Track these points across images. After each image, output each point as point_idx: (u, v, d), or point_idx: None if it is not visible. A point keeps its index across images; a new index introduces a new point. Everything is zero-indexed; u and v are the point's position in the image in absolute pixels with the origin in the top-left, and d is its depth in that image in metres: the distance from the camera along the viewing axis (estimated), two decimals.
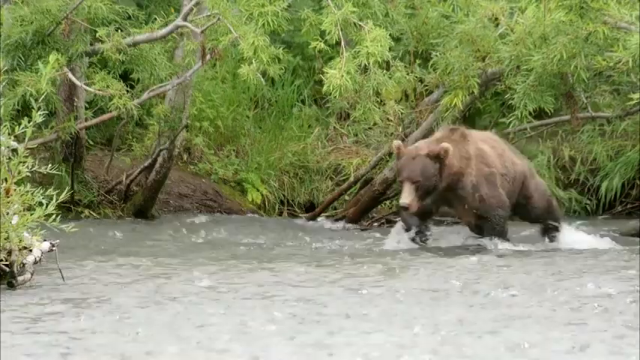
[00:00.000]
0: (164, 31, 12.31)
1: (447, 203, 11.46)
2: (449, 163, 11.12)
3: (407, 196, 11.01)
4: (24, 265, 8.28)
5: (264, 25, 11.52)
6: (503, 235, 11.46)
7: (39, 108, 8.22)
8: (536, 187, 11.97)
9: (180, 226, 13.54)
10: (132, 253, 10.75)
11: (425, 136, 14.56)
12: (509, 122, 12.40)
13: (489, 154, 11.49)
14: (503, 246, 11.28)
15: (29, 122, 8.13)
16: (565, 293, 8.12)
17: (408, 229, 11.39)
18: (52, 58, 9.65)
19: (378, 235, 12.63)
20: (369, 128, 15.93)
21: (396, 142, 11.38)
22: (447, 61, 12.61)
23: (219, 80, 16.00)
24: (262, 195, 15.31)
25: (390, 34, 11.76)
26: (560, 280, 8.87)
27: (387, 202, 14.38)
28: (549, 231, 11.97)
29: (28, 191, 8.11)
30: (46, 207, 8.01)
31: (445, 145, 11.13)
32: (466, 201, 11.27)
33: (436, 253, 10.93)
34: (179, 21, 12.25)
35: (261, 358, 6.13)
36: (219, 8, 11.75)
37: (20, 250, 8.22)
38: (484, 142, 11.64)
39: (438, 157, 11.09)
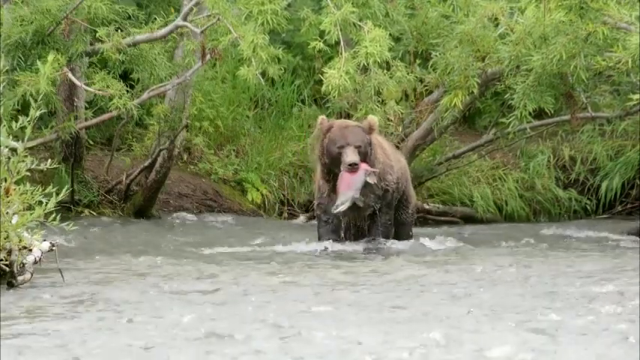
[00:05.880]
0: (164, 31, 12.31)
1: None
2: (376, 130, 10.99)
3: (355, 156, 10.72)
4: (24, 265, 8.28)
5: (263, 23, 11.53)
6: (389, 236, 11.34)
7: (38, 107, 8.22)
8: (411, 191, 11.84)
9: (180, 226, 13.55)
10: (132, 252, 10.76)
11: (425, 136, 14.61)
12: (509, 122, 12.41)
13: (386, 147, 11.39)
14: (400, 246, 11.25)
15: (27, 120, 8.13)
16: (563, 293, 8.12)
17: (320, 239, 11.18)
18: (50, 57, 9.64)
19: None
20: None
21: (321, 117, 11.19)
22: (446, 61, 12.61)
23: (219, 80, 16.01)
24: (262, 195, 15.32)
25: (390, 34, 11.76)
26: (558, 279, 8.88)
27: None
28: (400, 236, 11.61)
29: (27, 190, 8.11)
30: (46, 205, 8.01)
31: (371, 116, 11.05)
32: (370, 190, 10.99)
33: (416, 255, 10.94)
34: (179, 21, 12.25)
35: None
36: (219, 8, 11.75)
37: (20, 249, 8.21)
38: (379, 135, 11.49)
39: (369, 129, 10.92)
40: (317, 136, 11.15)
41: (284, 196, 15.52)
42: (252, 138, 15.86)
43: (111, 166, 14.33)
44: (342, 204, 10.77)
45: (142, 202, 14.01)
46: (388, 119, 14.50)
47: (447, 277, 9.07)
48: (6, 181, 8.07)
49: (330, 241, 11.08)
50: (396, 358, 6.00)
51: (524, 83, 11.97)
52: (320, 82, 11.97)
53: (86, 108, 13.95)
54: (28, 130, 8.12)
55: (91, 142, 14.72)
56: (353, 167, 10.73)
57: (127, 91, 12.26)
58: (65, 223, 8.21)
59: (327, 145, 10.95)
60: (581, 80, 11.73)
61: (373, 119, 11.02)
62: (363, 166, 10.78)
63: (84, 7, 12.06)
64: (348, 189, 10.79)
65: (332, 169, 10.98)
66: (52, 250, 8.65)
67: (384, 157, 11.14)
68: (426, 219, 15.23)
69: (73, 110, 13.47)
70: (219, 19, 11.82)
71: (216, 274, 9.25)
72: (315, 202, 11.43)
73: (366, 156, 10.87)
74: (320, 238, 11.26)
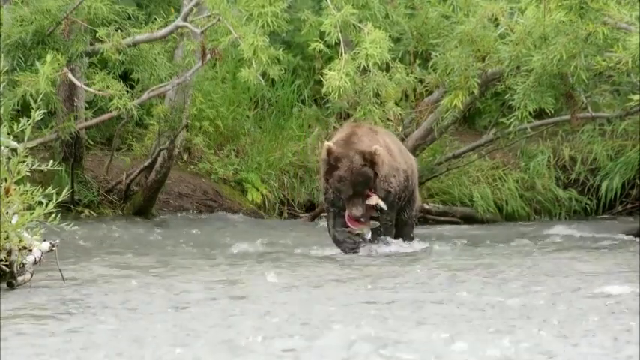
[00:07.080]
0: (164, 31, 12.32)
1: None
2: (380, 163, 10.77)
3: (361, 210, 10.66)
4: (24, 265, 8.28)
5: (263, 25, 11.53)
6: (391, 234, 11.19)
7: (38, 107, 8.22)
8: (417, 191, 11.74)
9: (180, 226, 13.55)
10: (132, 252, 10.77)
11: (425, 136, 14.61)
12: (510, 122, 12.41)
13: (393, 148, 11.28)
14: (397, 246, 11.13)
15: (28, 121, 8.13)
16: (564, 293, 8.12)
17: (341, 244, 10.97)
18: (49, 57, 9.64)
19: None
20: None
21: (327, 144, 10.80)
22: (447, 61, 12.61)
23: (219, 80, 16.02)
24: (262, 195, 15.32)
25: (389, 35, 11.76)
26: (559, 280, 8.88)
27: None
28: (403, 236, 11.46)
29: (27, 190, 8.11)
30: (46, 206, 8.02)
31: (374, 147, 10.71)
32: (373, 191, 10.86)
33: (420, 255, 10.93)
34: (179, 21, 12.26)
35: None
36: (219, 9, 11.76)
37: (20, 250, 8.21)
38: (386, 136, 11.35)
39: (372, 162, 10.72)
40: (322, 162, 10.93)
41: (284, 196, 15.53)
42: (252, 138, 15.87)
43: (111, 166, 14.34)
44: (363, 234, 10.89)
45: (142, 202, 14.02)
46: (388, 119, 14.53)
47: (446, 278, 9.07)
48: (6, 181, 8.07)
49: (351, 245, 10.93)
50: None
51: (524, 83, 11.97)
52: (320, 82, 11.97)
53: (86, 108, 13.96)
54: (28, 131, 8.13)
55: (91, 142, 14.73)
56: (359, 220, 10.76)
57: (127, 91, 12.26)
58: (65, 223, 8.21)
59: (332, 184, 10.74)
60: (581, 80, 11.72)
61: (374, 155, 10.70)
62: (373, 199, 10.77)
63: (84, 7, 12.07)
64: (364, 225, 10.85)
65: None
66: (52, 250, 8.66)
67: (390, 160, 11.06)
68: (426, 219, 15.23)
69: (73, 110, 13.48)
70: (219, 20, 11.82)
71: (216, 273, 9.25)
72: (322, 197, 11.34)
73: (371, 189, 10.79)
74: (331, 228, 11.10)
